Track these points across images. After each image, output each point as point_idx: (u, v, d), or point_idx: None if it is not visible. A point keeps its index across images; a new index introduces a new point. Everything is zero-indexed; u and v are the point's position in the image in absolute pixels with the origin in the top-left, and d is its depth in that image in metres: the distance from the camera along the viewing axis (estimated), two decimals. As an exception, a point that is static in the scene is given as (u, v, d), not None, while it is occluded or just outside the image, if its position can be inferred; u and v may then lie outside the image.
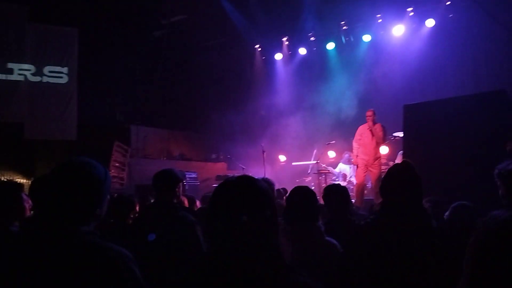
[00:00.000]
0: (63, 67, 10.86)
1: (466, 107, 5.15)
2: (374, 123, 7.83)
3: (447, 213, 3.24)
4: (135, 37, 12.30)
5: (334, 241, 2.46)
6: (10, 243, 1.56)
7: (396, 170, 2.26)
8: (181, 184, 3.14)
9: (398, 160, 9.09)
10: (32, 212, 2.63)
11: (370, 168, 7.80)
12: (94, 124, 11.08)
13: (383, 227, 2.02)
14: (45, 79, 10.68)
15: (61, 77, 10.84)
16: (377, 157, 7.84)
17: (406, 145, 5.83)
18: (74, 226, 1.50)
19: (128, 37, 12.03)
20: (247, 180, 1.36)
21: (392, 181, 2.21)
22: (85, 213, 1.55)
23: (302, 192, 2.64)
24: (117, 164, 9.31)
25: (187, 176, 9.90)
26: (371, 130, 7.80)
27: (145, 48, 12.71)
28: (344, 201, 3.04)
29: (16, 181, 2.80)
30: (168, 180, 3.00)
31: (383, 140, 7.93)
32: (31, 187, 2.41)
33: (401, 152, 9.06)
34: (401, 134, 8.74)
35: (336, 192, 3.05)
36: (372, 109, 7.97)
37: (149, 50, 12.82)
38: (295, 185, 3.20)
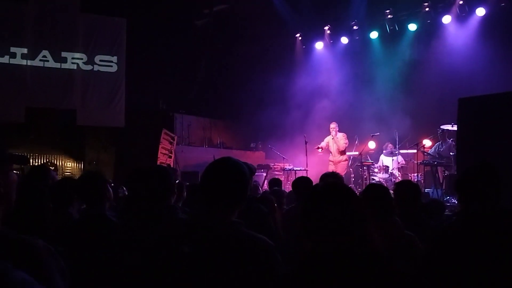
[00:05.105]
0: (112, 56, 11.21)
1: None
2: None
3: None
4: (179, 26, 12.50)
5: (413, 235, 2.54)
6: (172, 231, 1.73)
7: (475, 170, 2.21)
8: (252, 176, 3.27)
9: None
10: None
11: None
12: (140, 112, 11.42)
13: (470, 231, 2.05)
14: (96, 67, 11.06)
15: (110, 66, 11.19)
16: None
17: (460, 139, 5.75)
18: (229, 217, 1.68)
19: (172, 26, 12.24)
20: (338, 188, 1.56)
21: (471, 182, 2.18)
22: (237, 205, 1.73)
23: (377, 189, 2.74)
24: (164, 151, 9.60)
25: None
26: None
27: (188, 38, 12.89)
28: (415, 197, 3.09)
29: (100, 170, 2.99)
30: None
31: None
32: (131, 177, 2.58)
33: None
34: (448, 126, 8.65)
35: (407, 188, 3.11)
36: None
37: (192, 39, 13.01)
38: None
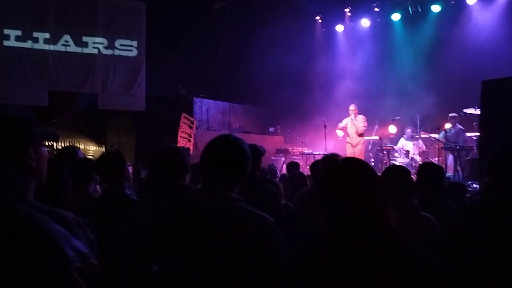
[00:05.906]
0: (132, 40, 11.30)
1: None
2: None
3: None
4: (197, 10, 12.46)
5: (430, 216, 2.52)
6: (175, 207, 1.76)
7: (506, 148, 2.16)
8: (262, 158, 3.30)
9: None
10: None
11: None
12: (160, 96, 11.53)
13: (494, 208, 2.02)
14: (116, 52, 11.18)
15: (131, 50, 11.29)
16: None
17: (483, 122, 5.62)
18: (228, 192, 1.67)
19: (191, 10, 12.21)
20: (355, 163, 1.59)
21: (501, 160, 2.12)
22: (236, 181, 1.72)
23: (397, 170, 2.73)
24: (184, 135, 9.69)
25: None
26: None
27: (206, 21, 12.86)
28: (438, 179, 3.05)
29: (119, 150, 3.07)
30: (253, 154, 3.11)
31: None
32: (150, 158, 2.65)
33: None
34: (471, 110, 8.45)
35: (430, 171, 3.08)
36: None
37: (210, 23, 12.97)
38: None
